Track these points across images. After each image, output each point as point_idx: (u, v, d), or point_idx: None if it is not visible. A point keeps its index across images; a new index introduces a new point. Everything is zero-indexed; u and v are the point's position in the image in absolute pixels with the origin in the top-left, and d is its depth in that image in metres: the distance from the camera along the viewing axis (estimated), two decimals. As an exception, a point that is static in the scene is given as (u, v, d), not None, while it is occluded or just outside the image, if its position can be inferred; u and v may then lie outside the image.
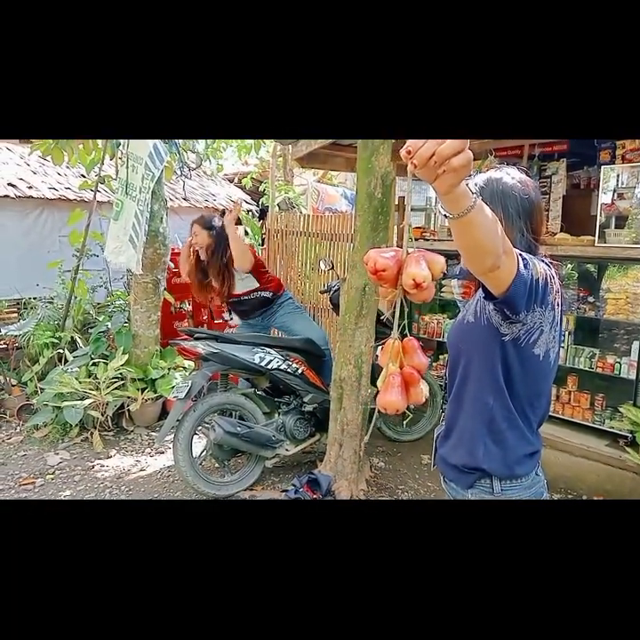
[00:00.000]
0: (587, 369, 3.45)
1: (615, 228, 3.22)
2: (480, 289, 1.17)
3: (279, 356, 3.32)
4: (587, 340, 3.58)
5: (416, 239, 4.33)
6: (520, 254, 1.09)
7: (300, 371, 3.38)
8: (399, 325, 0.91)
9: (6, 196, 5.58)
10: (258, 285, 3.62)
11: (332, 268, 3.90)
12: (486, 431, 1.31)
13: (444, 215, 0.93)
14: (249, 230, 7.68)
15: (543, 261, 1.20)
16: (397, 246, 0.91)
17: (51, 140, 4.22)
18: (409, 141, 0.78)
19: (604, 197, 3.26)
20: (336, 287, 3.72)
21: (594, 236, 3.28)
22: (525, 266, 1.08)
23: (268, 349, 3.31)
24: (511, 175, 1.30)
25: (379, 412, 3.54)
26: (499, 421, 1.29)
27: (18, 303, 5.31)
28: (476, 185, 1.28)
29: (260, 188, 8.59)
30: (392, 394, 0.88)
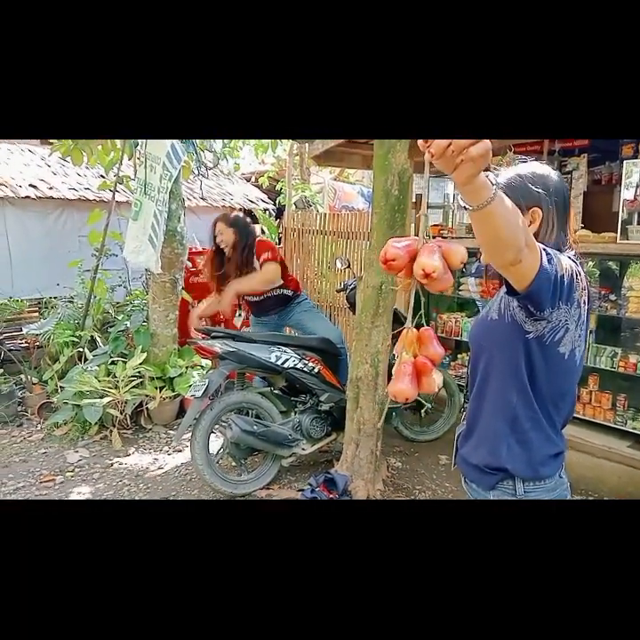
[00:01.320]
0: (608, 368, 3.39)
1: (638, 224, 3.14)
2: (503, 285, 1.15)
3: (295, 355, 3.32)
4: (608, 339, 3.51)
5: (433, 237, 4.27)
6: (544, 249, 1.06)
7: (316, 370, 3.38)
8: (415, 315, 0.91)
9: (28, 197, 5.67)
10: (281, 282, 3.63)
11: (349, 266, 3.89)
12: (509, 430, 1.28)
13: (464, 207, 0.92)
14: (266, 229, 7.69)
15: (570, 257, 1.18)
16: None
17: (70, 141, 4.27)
18: None
19: (627, 193, 3.19)
20: (352, 285, 3.70)
21: (616, 232, 3.22)
22: (549, 261, 1.06)
23: (284, 348, 3.31)
24: (544, 170, 1.28)
25: (395, 411, 3.48)
26: (522, 421, 1.27)
27: (39, 302, 5.40)
28: (508, 179, 1.26)
29: (277, 187, 8.59)
30: (403, 382, 0.88)
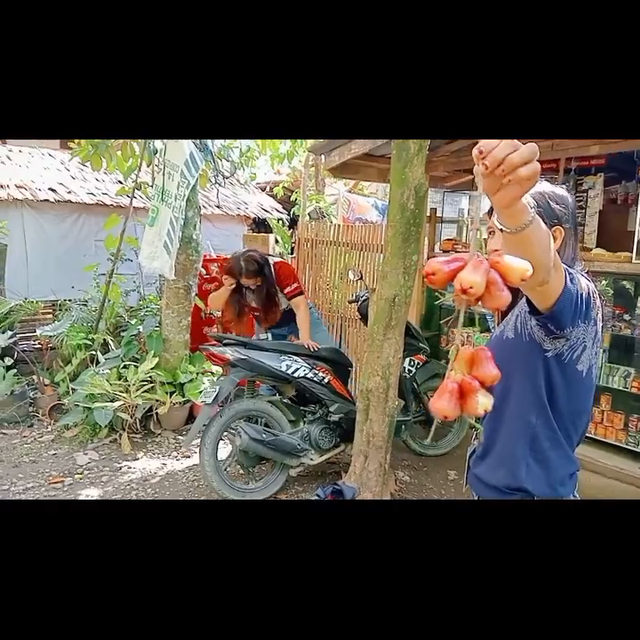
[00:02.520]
0: (621, 388, 3.36)
1: (653, 244, 3.14)
2: (525, 304, 1.15)
3: (306, 365, 3.32)
4: (622, 359, 3.48)
5: (446, 251, 4.28)
6: (566, 269, 1.08)
7: (326, 380, 3.38)
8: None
9: (46, 200, 5.75)
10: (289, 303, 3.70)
11: (361, 278, 3.90)
12: (528, 450, 1.28)
13: (500, 229, 0.90)
14: (279, 239, 7.74)
15: (584, 276, 1.19)
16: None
17: (90, 147, 4.34)
18: (482, 141, 0.74)
19: (643, 214, 3.19)
20: (365, 297, 3.71)
21: (631, 252, 3.21)
22: (571, 281, 1.07)
23: (295, 357, 3.32)
24: (560, 189, 1.29)
25: (405, 424, 3.44)
26: (541, 440, 1.27)
27: (53, 304, 5.45)
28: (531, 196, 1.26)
29: (292, 198, 8.66)
30: (443, 399, 0.87)
